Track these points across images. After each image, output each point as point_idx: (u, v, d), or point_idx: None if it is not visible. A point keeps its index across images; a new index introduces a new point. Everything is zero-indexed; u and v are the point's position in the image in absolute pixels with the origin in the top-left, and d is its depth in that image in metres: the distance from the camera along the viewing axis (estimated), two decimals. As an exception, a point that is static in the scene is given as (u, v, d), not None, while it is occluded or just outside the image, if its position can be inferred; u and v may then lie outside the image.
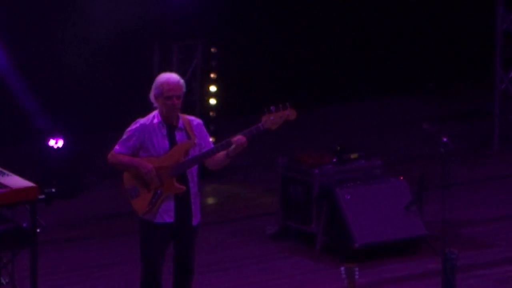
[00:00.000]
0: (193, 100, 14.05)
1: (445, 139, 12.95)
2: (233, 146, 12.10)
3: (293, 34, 20.66)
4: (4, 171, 12.27)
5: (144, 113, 12.46)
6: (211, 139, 13.49)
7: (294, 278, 13.99)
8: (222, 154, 12.11)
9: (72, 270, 13.80)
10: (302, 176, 14.80)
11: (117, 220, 14.93)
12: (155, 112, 12.17)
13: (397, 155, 16.29)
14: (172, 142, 12.07)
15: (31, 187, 11.78)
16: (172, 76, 12.62)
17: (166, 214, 12.03)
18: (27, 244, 11.77)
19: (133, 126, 12.12)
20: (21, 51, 19.17)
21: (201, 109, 16.86)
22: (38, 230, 11.72)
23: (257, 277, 14.06)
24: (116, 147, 12.11)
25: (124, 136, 12.12)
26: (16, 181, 11.88)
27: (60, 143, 16.17)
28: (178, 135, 12.08)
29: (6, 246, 11.86)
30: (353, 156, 15.01)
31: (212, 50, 17.18)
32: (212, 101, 17.03)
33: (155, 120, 12.10)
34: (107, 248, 14.46)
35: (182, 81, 12.64)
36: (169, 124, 12.11)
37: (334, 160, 14.80)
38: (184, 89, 12.68)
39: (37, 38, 19.66)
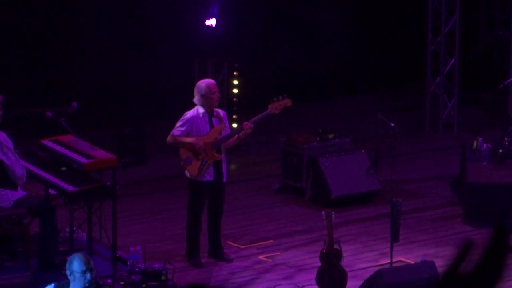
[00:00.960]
0: (222, 98, 14.23)
1: (392, 124, 13.03)
2: (242, 131, 12.69)
3: (288, 51, 20.52)
4: (93, 146, 12.27)
5: (187, 108, 12.89)
6: (235, 125, 13.92)
7: (291, 219, 14.24)
8: (234, 137, 13.02)
9: (139, 214, 14.00)
10: (296, 150, 15.03)
11: (169, 180, 14.91)
12: (197, 107, 12.57)
13: (360, 135, 16.32)
14: (211, 126, 12.54)
15: (112, 158, 12.01)
16: (211, 80, 13.62)
17: (209, 175, 12.50)
18: (110, 197, 11.80)
19: (185, 116, 12.83)
20: (99, 71, 18.56)
21: (228, 103, 16.95)
22: (117, 187, 11.87)
23: (266, 219, 14.29)
24: (173, 132, 12.63)
25: (179, 124, 12.58)
26: (102, 154, 12.06)
27: (129, 131, 16.24)
28: (215, 121, 12.59)
29: (96, 199, 11.99)
30: (331, 136, 15.19)
31: (235, 64, 17.32)
32: (235, 99, 17.20)
33: (200, 111, 12.50)
34: (163, 200, 14.62)
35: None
36: (209, 114, 12.54)
37: (318, 139, 15.01)
38: None
39: (114, 58, 18.96)
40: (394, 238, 12.17)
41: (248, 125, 12.76)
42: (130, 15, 19.18)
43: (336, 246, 11.80)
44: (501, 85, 15.91)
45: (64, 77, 18.15)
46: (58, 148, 12.15)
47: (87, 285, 9.03)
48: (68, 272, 9.09)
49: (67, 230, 12.18)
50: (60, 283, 9.32)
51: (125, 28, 19.27)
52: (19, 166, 11.75)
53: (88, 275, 9.01)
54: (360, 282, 11.82)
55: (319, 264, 11.84)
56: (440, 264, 12.05)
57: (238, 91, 17.93)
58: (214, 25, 17.42)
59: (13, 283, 10.75)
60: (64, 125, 12.47)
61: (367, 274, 11.91)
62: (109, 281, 11.41)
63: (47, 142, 12.31)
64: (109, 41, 19.11)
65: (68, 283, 9.15)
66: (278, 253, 13.15)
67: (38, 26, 19.18)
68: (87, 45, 19.33)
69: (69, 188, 11.48)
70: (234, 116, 16.85)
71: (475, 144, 14.60)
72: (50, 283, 9.29)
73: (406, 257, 12.59)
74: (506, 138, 14.76)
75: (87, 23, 19.48)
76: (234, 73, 18.03)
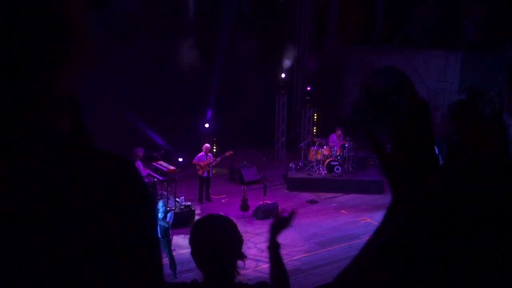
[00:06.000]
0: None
1: (264, 159, 12.93)
2: (216, 161, 12.17)
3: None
4: (168, 164, 11.68)
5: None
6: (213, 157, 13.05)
7: (232, 189, 13.05)
8: (214, 163, 11.97)
9: (184, 187, 12.37)
10: (233, 167, 13.95)
11: (194, 176, 12.79)
12: (203, 151, 11.98)
13: (253, 161, 14.12)
14: (207, 159, 11.99)
15: (174, 168, 11.54)
16: (208, 145, 12.12)
17: (205, 174, 11.93)
18: (174, 181, 11.32)
19: (198, 155, 11.95)
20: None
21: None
22: (176, 178, 11.45)
23: (223, 188, 13.02)
24: (194, 160, 12.01)
25: (196, 157, 11.99)
26: (171, 167, 11.57)
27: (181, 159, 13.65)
28: (208, 157, 11.99)
29: (170, 182, 11.24)
30: (244, 162, 14.06)
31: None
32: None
33: (203, 154, 12.04)
34: (192, 182, 13.03)
35: (209, 145, 12.14)
36: (206, 154, 12.04)
37: (241, 163, 14.01)
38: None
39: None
40: (264, 194, 12.10)
41: (218, 159, 12.36)
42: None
43: (246, 197, 11.43)
44: (299, 146, 15.33)
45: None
46: (157, 165, 11.48)
47: (162, 210, 8.41)
48: (159, 205, 8.56)
49: (159, 192, 11.49)
50: (157, 211, 8.31)
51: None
52: (142, 174, 11.17)
53: (162, 208, 8.43)
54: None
55: (240, 203, 11.42)
56: (278, 205, 11.24)
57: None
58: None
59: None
60: (159, 158, 12.10)
61: (255, 206, 11.63)
62: (173, 208, 10.57)
63: (155, 163, 11.61)
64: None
65: (158, 212, 8.28)
66: (228, 199, 12.60)
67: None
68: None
69: (161, 178, 11.32)
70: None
71: (290, 165, 14.28)
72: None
73: (268, 201, 12.03)
74: (300, 164, 14.44)
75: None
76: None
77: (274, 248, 2.11)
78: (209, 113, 14.62)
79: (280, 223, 2.11)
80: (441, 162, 0.70)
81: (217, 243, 1.80)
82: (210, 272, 1.81)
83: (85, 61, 0.60)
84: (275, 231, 2.11)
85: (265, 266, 8.48)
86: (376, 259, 0.58)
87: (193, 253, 1.87)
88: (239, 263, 1.90)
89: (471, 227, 0.52)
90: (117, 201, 0.59)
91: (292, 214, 2.18)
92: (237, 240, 1.90)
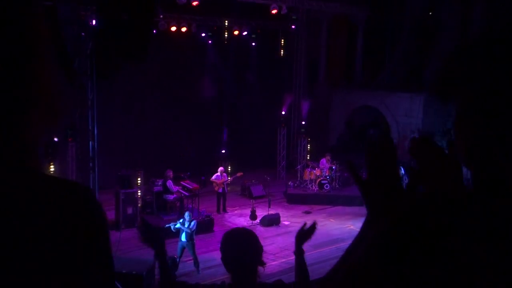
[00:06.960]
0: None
1: (268, 178, 12.64)
2: (229, 180, 11.47)
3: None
4: (193, 182, 11.46)
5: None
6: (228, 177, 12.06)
7: (245, 202, 12.45)
8: (228, 181, 11.34)
9: (206, 201, 11.67)
10: (245, 184, 12.92)
11: (212, 191, 12.06)
12: (219, 172, 11.38)
13: (259, 179, 13.46)
14: (222, 177, 11.35)
15: (197, 186, 11.25)
16: (221, 168, 11.45)
17: (220, 190, 11.30)
18: (197, 196, 10.92)
19: (215, 175, 11.31)
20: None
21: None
22: (198, 193, 11.16)
23: (237, 202, 12.44)
24: (212, 178, 11.42)
25: (214, 175, 11.38)
26: (195, 185, 11.31)
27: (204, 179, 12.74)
28: (223, 177, 11.37)
29: (194, 197, 10.71)
30: (253, 181, 13.07)
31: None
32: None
33: (219, 173, 11.34)
34: (210, 196, 12.05)
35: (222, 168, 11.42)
36: (221, 174, 11.38)
37: (251, 181, 13.04)
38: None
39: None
40: (269, 206, 11.42)
41: (230, 179, 11.79)
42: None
43: (255, 209, 11.02)
44: (296, 168, 14.79)
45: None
46: (184, 183, 11.26)
47: (187, 219, 8.17)
48: (185, 215, 8.30)
49: (186, 205, 10.83)
50: (184, 220, 8.11)
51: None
52: (173, 190, 10.76)
53: (188, 217, 8.19)
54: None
55: (250, 213, 11.01)
56: (280, 215, 10.94)
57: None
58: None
59: (171, 219, 9.59)
60: (186, 177, 11.70)
61: (262, 216, 11.01)
62: (196, 217, 10.05)
63: (182, 182, 11.36)
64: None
65: (184, 220, 8.11)
66: (240, 210, 11.93)
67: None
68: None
69: (187, 194, 10.88)
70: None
71: (289, 183, 13.91)
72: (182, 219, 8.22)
73: (272, 212, 11.47)
74: (297, 182, 13.82)
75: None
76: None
77: (299, 254, 2.17)
78: (225, 131, 14.02)
79: (304, 233, 2.14)
80: (406, 181, 0.68)
81: (243, 252, 1.83)
82: (237, 274, 1.82)
83: (50, 112, 0.56)
84: (300, 240, 2.13)
85: (272, 264, 8.16)
86: (353, 269, 0.57)
87: (223, 259, 1.87)
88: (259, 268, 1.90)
89: (430, 252, 0.44)
90: (79, 221, 0.59)
91: (314, 226, 2.13)
92: (258, 249, 1.93)
